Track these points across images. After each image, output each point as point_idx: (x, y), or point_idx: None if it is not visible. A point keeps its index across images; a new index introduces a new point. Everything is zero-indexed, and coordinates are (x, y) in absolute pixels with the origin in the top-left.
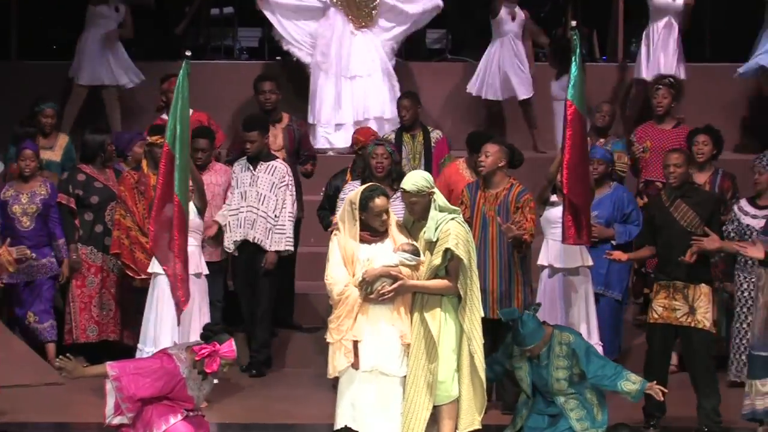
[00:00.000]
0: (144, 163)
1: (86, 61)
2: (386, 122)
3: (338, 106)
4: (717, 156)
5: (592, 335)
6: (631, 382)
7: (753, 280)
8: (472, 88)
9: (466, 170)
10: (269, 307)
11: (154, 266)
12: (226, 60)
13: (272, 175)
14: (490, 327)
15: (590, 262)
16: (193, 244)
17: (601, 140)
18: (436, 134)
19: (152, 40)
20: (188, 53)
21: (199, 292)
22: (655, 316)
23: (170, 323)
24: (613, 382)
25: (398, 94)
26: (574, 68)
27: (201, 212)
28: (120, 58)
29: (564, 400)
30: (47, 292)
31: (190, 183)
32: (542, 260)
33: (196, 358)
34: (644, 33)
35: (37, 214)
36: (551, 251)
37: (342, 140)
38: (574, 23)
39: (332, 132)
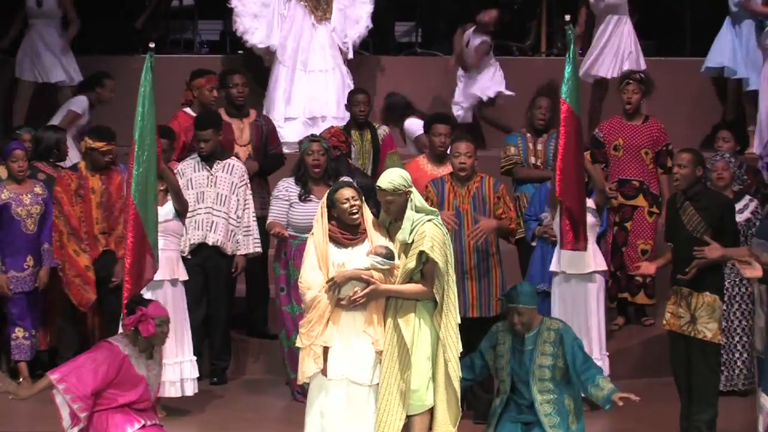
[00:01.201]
0: (82, 164)
1: (30, 56)
2: (338, 120)
3: (291, 99)
4: (742, 152)
5: (601, 345)
6: (600, 388)
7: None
8: None
9: (428, 165)
10: (228, 313)
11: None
12: (186, 54)
13: (231, 174)
14: (465, 326)
15: (604, 266)
16: (171, 248)
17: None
18: (382, 131)
19: (110, 34)
20: (152, 46)
21: (174, 301)
22: (664, 322)
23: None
24: (591, 379)
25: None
26: (567, 65)
27: (180, 214)
28: (64, 53)
29: (540, 401)
30: (40, 304)
31: (162, 185)
32: (554, 267)
33: (128, 327)
34: (596, 32)
35: (39, 216)
36: (564, 257)
37: (293, 134)
38: (567, 17)
39: (283, 126)
